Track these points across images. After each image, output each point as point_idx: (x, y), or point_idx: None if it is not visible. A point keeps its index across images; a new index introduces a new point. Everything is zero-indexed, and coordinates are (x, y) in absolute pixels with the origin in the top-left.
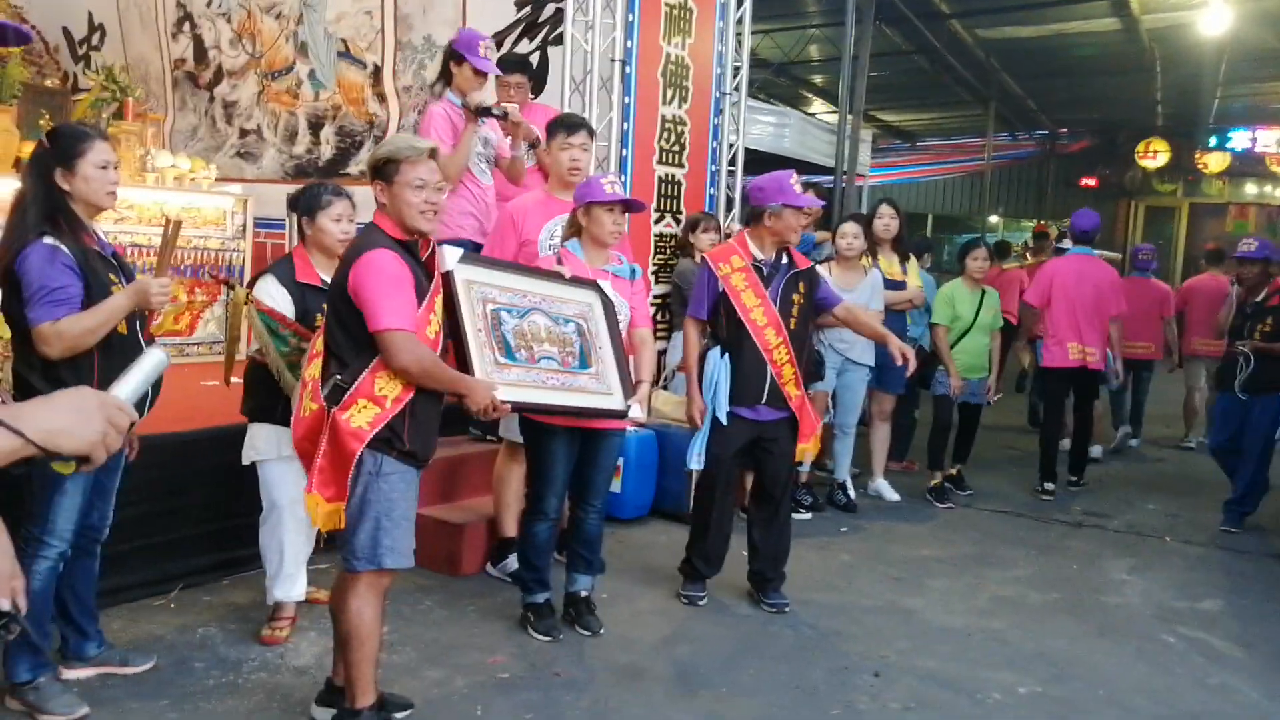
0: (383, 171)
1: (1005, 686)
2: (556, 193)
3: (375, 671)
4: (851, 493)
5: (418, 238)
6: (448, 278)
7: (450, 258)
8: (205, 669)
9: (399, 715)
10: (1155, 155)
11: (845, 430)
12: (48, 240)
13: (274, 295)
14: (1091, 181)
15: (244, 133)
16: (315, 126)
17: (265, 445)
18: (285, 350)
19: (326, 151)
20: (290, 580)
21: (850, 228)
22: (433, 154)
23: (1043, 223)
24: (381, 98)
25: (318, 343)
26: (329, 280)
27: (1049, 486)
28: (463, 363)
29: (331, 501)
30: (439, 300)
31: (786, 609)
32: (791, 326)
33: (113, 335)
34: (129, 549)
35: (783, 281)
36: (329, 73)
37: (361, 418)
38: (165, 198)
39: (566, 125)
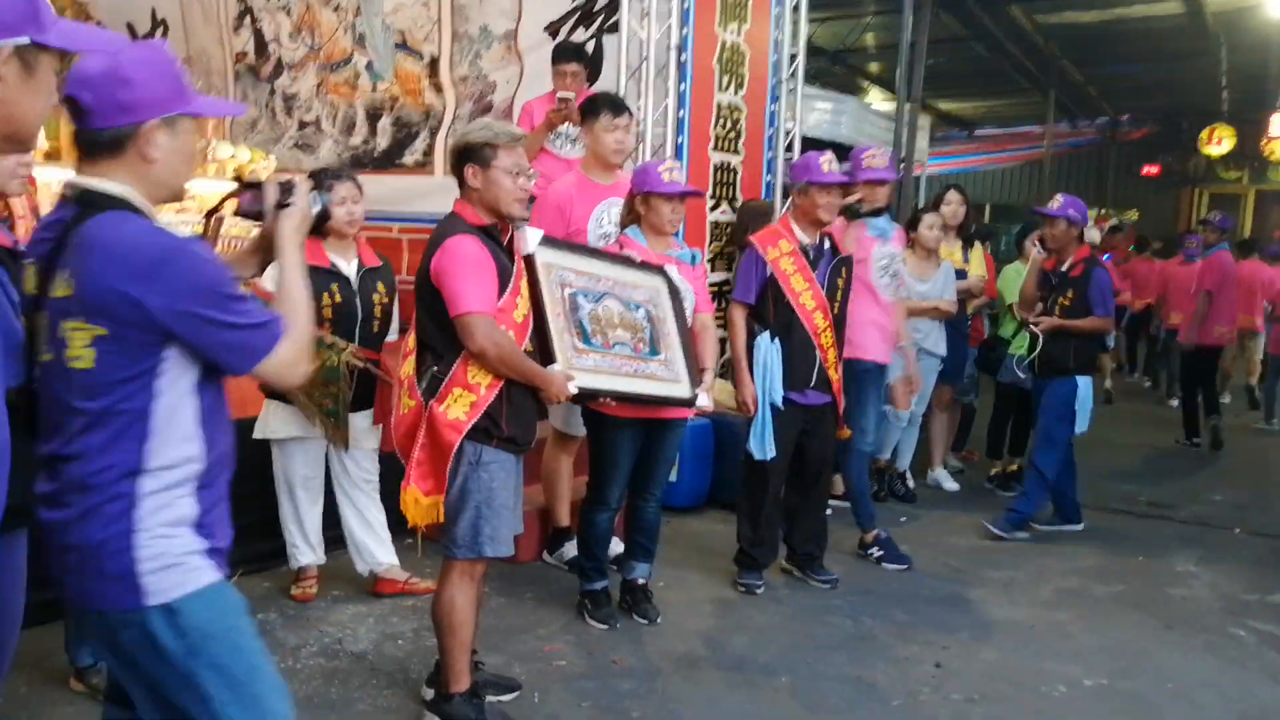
0: (478, 155)
1: (1070, 680)
2: (594, 176)
3: (466, 659)
4: (910, 482)
5: (499, 223)
6: (530, 260)
7: (532, 240)
8: None
9: (506, 697)
10: (1220, 142)
11: (912, 420)
12: None
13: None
14: (1154, 169)
15: (303, 124)
16: (373, 117)
17: (278, 424)
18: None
19: (383, 142)
20: (310, 548)
21: (931, 217)
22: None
23: (1104, 214)
24: (438, 88)
25: (409, 340)
26: (337, 263)
27: (1196, 440)
28: (544, 346)
29: (429, 495)
30: (524, 284)
31: (838, 584)
32: (835, 310)
33: None
34: None
35: (829, 266)
36: (387, 64)
37: (458, 408)
38: (226, 188)
39: (612, 106)
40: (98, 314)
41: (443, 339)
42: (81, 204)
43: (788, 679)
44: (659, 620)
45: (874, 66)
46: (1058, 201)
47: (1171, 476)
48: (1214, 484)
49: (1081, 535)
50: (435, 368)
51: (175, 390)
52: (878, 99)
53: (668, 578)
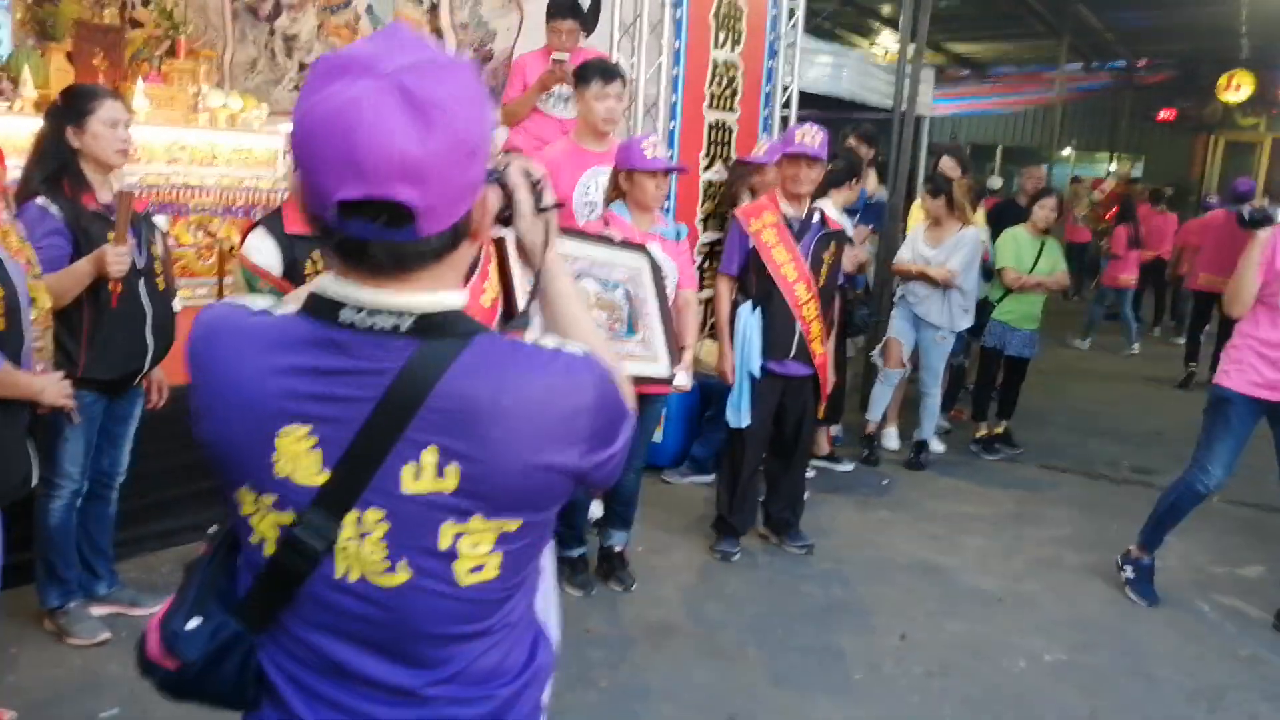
0: None
1: (1032, 653)
2: (586, 143)
3: None
4: (892, 443)
5: None
6: (500, 244)
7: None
8: None
9: None
10: (1238, 88)
11: (924, 390)
12: (39, 201)
13: (260, 248)
14: (1169, 115)
15: (303, 67)
16: None
17: None
18: None
19: None
20: None
21: (920, 190)
22: None
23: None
24: (439, 34)
25: None
26: None
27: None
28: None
29: None
30: (492, 267)
31: (814, 548)
32: (820, 284)
33: (102, 293)
34: (148, 501)
35: (814, 239)
36: (386, 7)
37: None
38: (218, 139)
39: (603, 73)
40: None
41: None
42: None
43: (755, 650)
44: (634, 587)
45: (886, 8)
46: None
47: (1159, 440)
48: None
49: (1061, 502)
50: None
51: None
52: (890, 41)
53: (648, 541)
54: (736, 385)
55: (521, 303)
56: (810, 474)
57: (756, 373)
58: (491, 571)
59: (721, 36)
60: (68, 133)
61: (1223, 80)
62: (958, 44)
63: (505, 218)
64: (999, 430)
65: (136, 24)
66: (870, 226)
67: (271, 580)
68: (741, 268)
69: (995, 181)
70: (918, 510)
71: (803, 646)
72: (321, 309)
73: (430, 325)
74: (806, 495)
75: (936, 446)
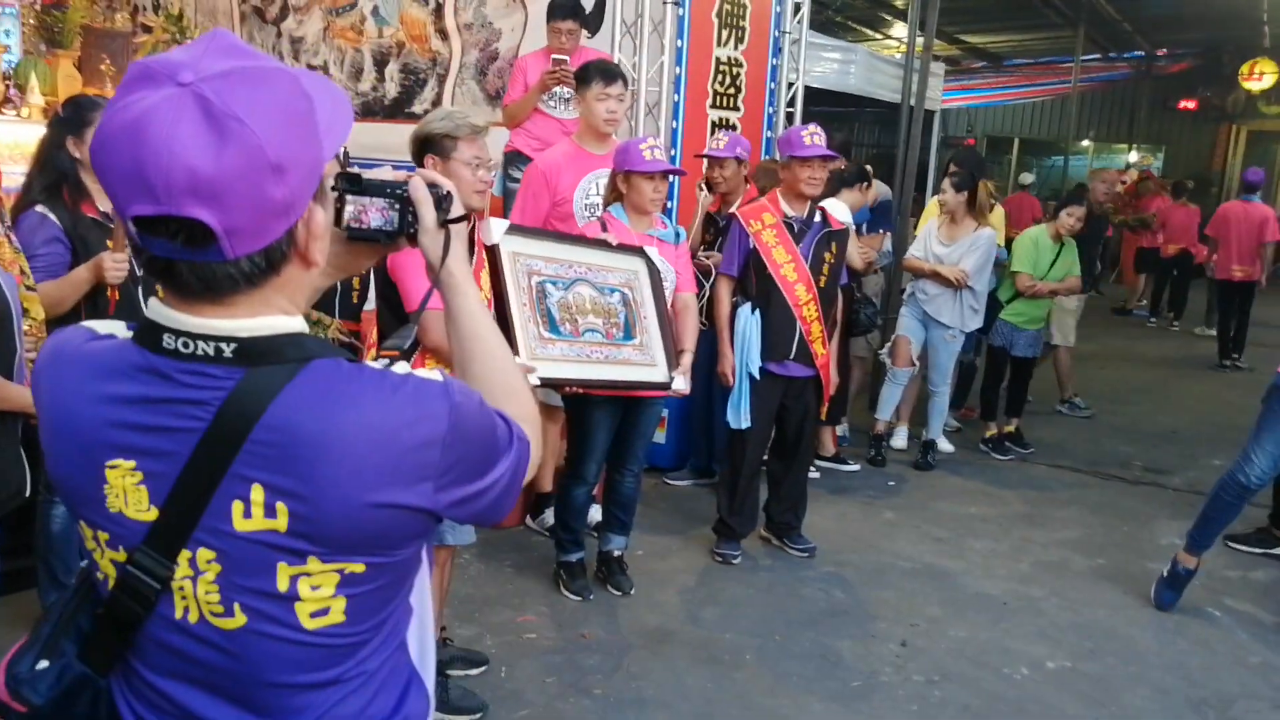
0: (438, 146)
1: (1034, 661)
2: (587, 145)
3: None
4: (901, 443)
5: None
6: (493, 251)
7: (496, 230)
8: None
9: (473, 672)
10: (1261, 77)
11: (932, 389)
12: (38, 209)
13: None
14: (1190, 104)
15: (311, 69)
16: (380, 64)
17: None
18: None
19: (391, 89)
20: None
21: (944, 182)
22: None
23: (1144, 170)
24: (444, 35)
25: (372, 333)
26: None
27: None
28: (507, 337)
29: None
30: (484, 274)
31: (816, 551)
32: (821, 284)
33: (100, 300)
34: None
35: (815, 239)
36: (392, 9)
37: None
38: None
39: (604, 74)
40: None
41: None
42: None
43: (754, 656)
44: (632, 592)
45: (899, 0)
46: (722, 140)
47: (1173, 439)
48: (1216, 449)
49: (1070, 503)
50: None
51: None
52: (904, 33)
53: (648, 545)
54: (736, 387)
55: (514, 312)
56: (814, 475)
57: (756, 374)
58: (337, 616)
59: (725, 34)
60: (69, 143)
61: (1245, 68)
62: (973, 35)
63: (412, 233)
64: (1009, 429)
65: (147, 29)
66: (883, 231)
67: (112, 621)
68: (741, 268)
69: (1026, 177)
70: (923, 512)
71: (801, 653)
72: (146, 334)
73: (254, 352)
74: (809, 497)
75: (945, 446)
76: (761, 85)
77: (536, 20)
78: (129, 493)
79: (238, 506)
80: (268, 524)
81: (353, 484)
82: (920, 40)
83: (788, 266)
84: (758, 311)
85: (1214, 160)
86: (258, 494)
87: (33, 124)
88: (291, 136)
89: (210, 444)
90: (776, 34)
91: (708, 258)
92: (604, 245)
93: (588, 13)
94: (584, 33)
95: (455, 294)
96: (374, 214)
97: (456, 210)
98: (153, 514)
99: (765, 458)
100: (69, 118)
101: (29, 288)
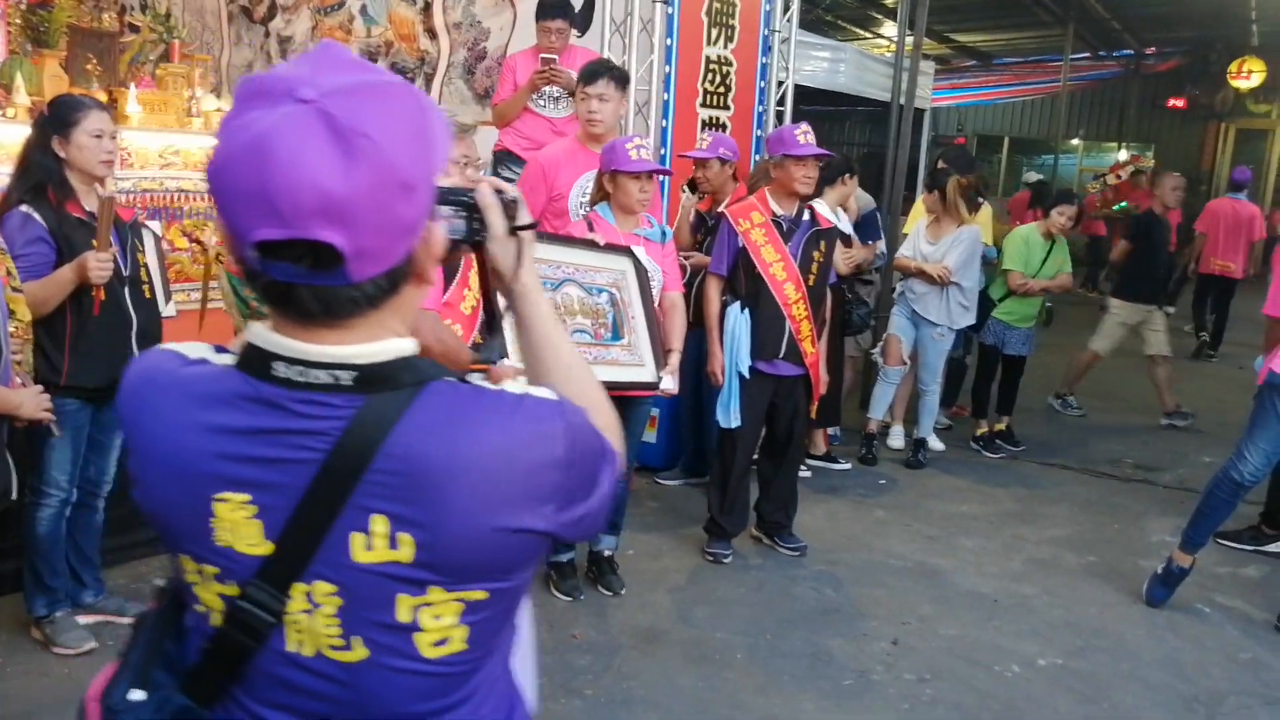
0: None
1: (1026, 658)
2: (587, 143)
3: None
4: (896, 442)
5: None
6: (480, 250)
7: None
8: None
9: None
10: (1249, 75)
11: (922, 388)
12: (22, 209)
13: None
14: (1179, 103)
15: None
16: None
17: None
18: (246, 313)
19: None
20: None
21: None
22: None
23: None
24: (432, 34)
25: None
26: None
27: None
28: (495, 338)
29: None
30: (473, 274)
31: (806, 550)
32: (810, 283)
33: (85, 300)
34: (135, 509)
35: (804, 238)
36: (380, 8)
37: None
38: (211, 143)
39: (585, 74)
40: None
41: None
42: None
43: (745, 655)
44: (623, 592)
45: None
46: (705, 141)
47: (1164, 436)
48: (1205, 445)
49: (1061, 501)
50: None
51: None
52: (893, 32)
53: (638, 544)
54: (726, 386)
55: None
56: (806, 474)
57: (746, 373)
58: (458, 645)
59: (714, 33)
60: (54, 143)
61: (1234, 66)
62: (962, 34)
63: (478, 240)
64: (1000, 427)
65: (134, 29)
66: (872, 242)
67: (219, 654)
68: (731, 267)
69: (1032, 175)
70: (914, 510)
71: (792, 652)
72: (253, 362)
73: (374, 378)
74: (800, 496)
75: (936, 444)
76: (751, 84)
77: (525, 19)
78: (240, 526)
79: (358, 538)
80: (390, 555)
81: (478, 510)
82: (910, 39)
83: (776, 265)
84: (747, 310)
85: (1203, 158)
86: (379, 525)
87: (19, 124)
88: (417, 153)
89: (329, 475)
90: (766, 32)
91: (686, 258)
92: (591, 245)
93: (576, 11)
94: (573, 31)
95: (527, 303)
96: (441, 222)
97: (524, 217)
98: (267, 548)
99: (755, 457)
100: (54, 117)
101: (15, 289)
